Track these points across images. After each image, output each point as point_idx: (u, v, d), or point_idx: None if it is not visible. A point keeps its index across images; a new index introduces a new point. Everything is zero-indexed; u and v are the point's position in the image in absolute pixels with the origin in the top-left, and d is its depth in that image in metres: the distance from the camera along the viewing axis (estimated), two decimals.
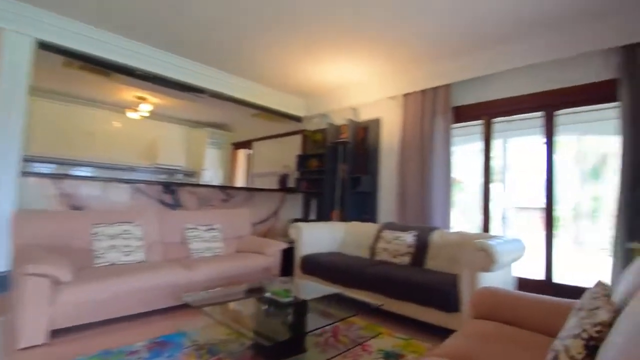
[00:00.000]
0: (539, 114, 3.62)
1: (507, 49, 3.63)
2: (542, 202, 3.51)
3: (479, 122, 4.03)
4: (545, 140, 3.55)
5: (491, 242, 2.37)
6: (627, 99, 2.94)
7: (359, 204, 4.92)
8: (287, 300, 2.28)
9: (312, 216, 5.52)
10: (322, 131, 5.55)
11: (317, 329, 2.05)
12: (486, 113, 3.98)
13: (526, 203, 4.23)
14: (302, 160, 5.76)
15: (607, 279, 2.94)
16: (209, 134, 7.73)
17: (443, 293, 2.44)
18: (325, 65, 4.43)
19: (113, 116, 6.42)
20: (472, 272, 2.34)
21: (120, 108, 6.24)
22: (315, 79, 4.94)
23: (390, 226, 3.64)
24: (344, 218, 4.91)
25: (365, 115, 5.14)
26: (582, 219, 3.89)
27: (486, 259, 2.27)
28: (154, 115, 6.59)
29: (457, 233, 3.18)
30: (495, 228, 3.92)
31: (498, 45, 3.66)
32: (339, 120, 5.36)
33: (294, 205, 5.95)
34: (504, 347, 1.40)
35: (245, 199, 5.38)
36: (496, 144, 3.97)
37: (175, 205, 4.52)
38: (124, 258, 2.85)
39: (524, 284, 3.28)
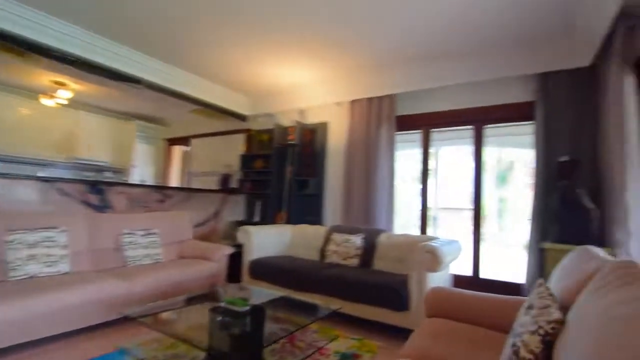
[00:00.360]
0: (470, 127, 4.04)
1: (446, 66, 3.97)
2: (470, 204, 3.93)
3: (419, 131, 4.35)
4: (474, 150, 3.98)
5: (436, 244, 2.58)
6: (541, 119, 3.44)
7: (305, 206, 4.95)
8: (243, 309, 2.20)
9: (256, 218, 5.40)
10: (268, 131, 5.46)
11: (279, 339, 2.02)
12: (425, 124, 4.31)
13: (455, 205, 4.68)
14: (247, 160, 5.61)
15: (523, 273, 3.42)
16: (138, 127, 7.08)
17: (395, 293, 2.59)
18: (275, 66, 4.36)
19: (22, 102, 5.50)
20: (421, 272, 2.53)
21: (33, 93, 5.38)
22: (263, 78, 4.83)
23: (338, 229, 3.73)
24: (289, 220, 4.90)
25: (312, 118, 5.19)
26: (501, 219, 4.45)
27: (433, 260, 2.47)
28: (75, 103, 5.82)
29: (403, 235, 3.40)
30: (429, 229, 4.27)
31: (438, 63, 3.98)
32: (286, 121, 5.33)
33: (236, 207, 5.75)
34: (465, 345, 1.55)
35: (184, 200, 5.04)
36: (432, 152, 4.32)
37: (103, 207, 4.04)
38: (46, 269, 2.47)
39: (456, 280, 3.63)
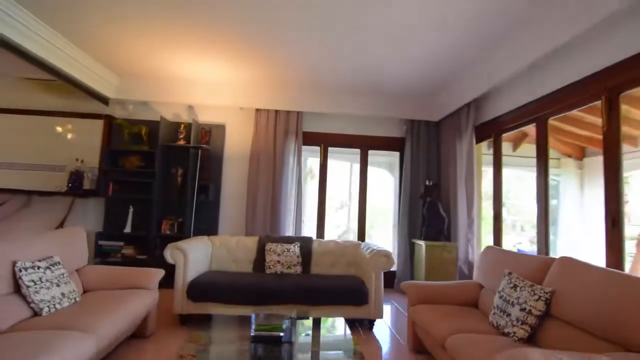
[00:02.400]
0: (358, 150, 5.06)
1: (345, 99, 4.76)
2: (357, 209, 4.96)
3: (319, 147, 4.99)
4: (360, 167, 5.03)
5: (382, 248, 3.33)
6: (408, 153, 4.85)
7: (198, 214, 4.55)
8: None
9: (127, 229, 4.41)
10: (146, 124, 4.58)
11: None
12: (324, 142, 5.00)
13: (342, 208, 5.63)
14: (113, 156, 4.47)
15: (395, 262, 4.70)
16: None
17: (359, 291, 3.13)
18: (166, 50, 3.70)
19: None
20: (377, 272, 3.20)
21: None
22: (147, 59, 3.96)
23: (271, 239, 3.82)
24: (182, 230, 4.38)
25: (204, 117, 4.81)
26: (384, 221, 5.72)
27: (388, 262, 3.20)
28: None
29: (333, 241, 3.94)
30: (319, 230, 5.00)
31: (339, 94, 4.73)
32: (167, 114, 4.65)
33: (88, 213, 4.46)
34: (441, 315, 2.41)
35: (22, 207, 3.52)
36: (328, 166, 5.08)
37: None
38: None
39: None
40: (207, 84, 4.63)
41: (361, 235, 4.93)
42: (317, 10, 2.83)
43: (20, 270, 2.08)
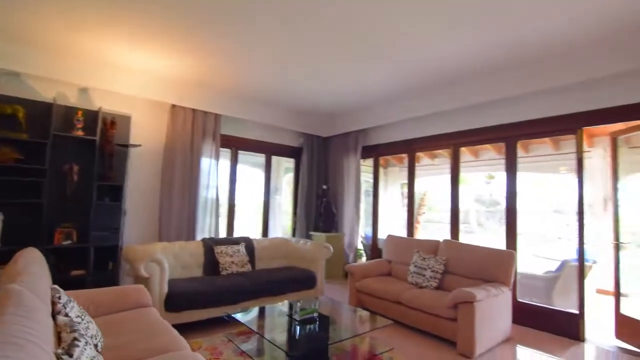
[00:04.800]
0: (263, 154, 5.61)
1: (255, 107, 5.19)
2: (262, 207, 5.55)
3: (229, 150, 5.20)
4: (265, 170, 5.63)
5: (310, 240, 4.27)
6: (305, 160, 5.87)
7: (100, 219, 3.89)
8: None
9: None
10: (20, 103, 3.46)
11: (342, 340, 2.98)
12: (235, 145, 5.26)
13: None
14: None
15: None
16: None
17: (311, 278, 3.94)
18: (61, 13, 2.83)
19: None
20: (322, 260, 4.11)
21: None
22: (25, 15, 2.90)
23: (217, 241, 3.94)
24: (83, 238, 3.66)
25: (103, 105, 4.06)
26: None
27: (328, 251, 4.16)
28: None
29: (266, 239, 4.45)
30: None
31: (251, 102, 5.12)
32: (47, 93, 3.70)
33: None
34: (379, 282, 3.73)
35: None
36: (239, 168, 5.37)
37: None
38: None
39: None
40: (112, 65, 3.97)
41: (264, 232, 5.55)
42: (251, 30, 3.03)
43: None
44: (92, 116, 3.82)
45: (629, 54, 2.94)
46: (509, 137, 3.94)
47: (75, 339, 1.24)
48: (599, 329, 3.52)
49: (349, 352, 2.62)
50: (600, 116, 3.29)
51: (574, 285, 4.52)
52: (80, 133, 3.73)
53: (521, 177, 3.97)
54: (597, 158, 6.49)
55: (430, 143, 4.77)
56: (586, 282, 4.92)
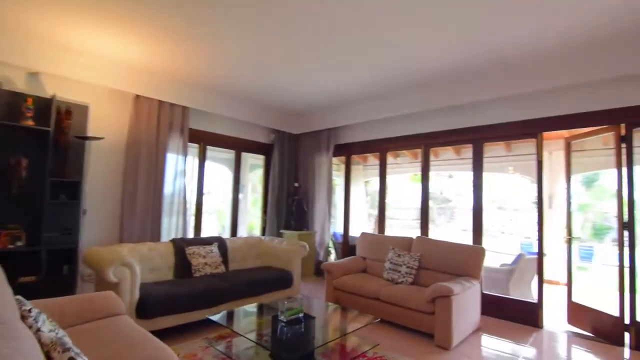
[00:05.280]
0: (232, 151, 5.41)
1: (224, 101, 4.96)
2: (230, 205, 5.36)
3: (197, 145, 4.95)
4: (234, 167, 5.43)
5: (283, 239, 4.22)
6: (276, 157, 5.75)
7: (54, 220, 3.50)
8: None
9: None
10: None
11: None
12: (203, 140, 5.01)
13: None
14: None
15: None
16: None
17: (289, 277, 3.88)
18: None
19: None
20: (298, 259, 4.06)
21: None
22: None
23: (188, 242, 3.72)
24: (33, 241, 3.27)
25: (57, 92, 3.64)
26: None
27: (304, 250, 4.11)
28: None
29: (240, 238, 4.30)
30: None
31: (220, 96, 4.88)
32: None
33: None
34: (356, 280, 3.79)
35: None
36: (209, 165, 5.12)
37: None
38: None
39: None
40: (67, 49, 3.58)
41: (233, 230, 5.37)
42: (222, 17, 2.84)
43: None
44: (44, 104, 3.42)
45: (583, 67, 3.25)
46: (477, 139, 4.18)
47: (71, 359, 1.08)
48: (552, 316, 3.86)
49: (337, 351, 2.62)
50: (559, 123, 3.60)
51: (528, 277, 4.92)
52: (30, 123, 3.31)
53: (469, 176, 4.22)
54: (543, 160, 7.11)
55: (403, 143, 4.92)
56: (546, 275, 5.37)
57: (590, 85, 3.36)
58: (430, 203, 4.70)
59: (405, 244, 4.03)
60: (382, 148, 5.16)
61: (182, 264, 3.56)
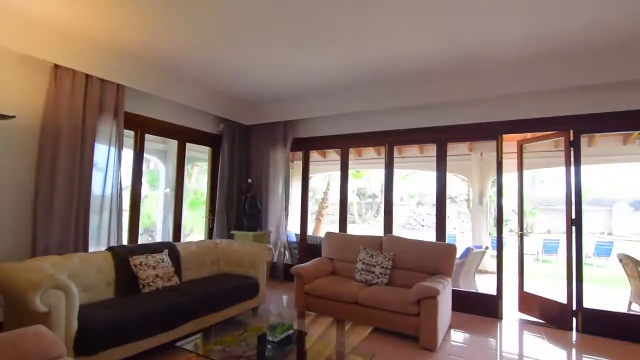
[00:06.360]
0: (167, 142, 4.68)
1: (168, 81, 4.21)
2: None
3: (133, 132, 4.14)
4: (177, 161, 4.71)
5: (243, 242, 3.79)
6: (226, 149, 5.16)
7: None
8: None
9: None
10: None
11: None
12: (140, 126, 4.21)
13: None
14: None
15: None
16: None
17: (254, 286, 3.43)
18: None
19: None
20: (262, 264, 3.64)
21: None
22: None
23: (132, 250, 3.01)
24: None
25: None
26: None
27: (270, 253, 3.71)
28: None
29: (192, 243, 3.68)
30: None
31: (164, 76, 4.11)
32: None
33: None
34: (330, 282, 3.59)
35: None
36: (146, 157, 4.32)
37: None
38: None
39: None
40: None
41: (176, 234, 4.65)
42: None
43: None
44: None
45: (538, 75, 3.51)
46: (440, 139, 4.27)
47: None
48: (504, 306, 4.15)
49: None
50: (517, 126, 3.85)
51: (473, 269, 5.25)
52: None
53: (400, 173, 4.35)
54: (475, 160, 7.78)
55: (365, 139, 4.81)
56: (481, 266, 5.77)
57: (546, 93, 3.64)
58: (357, 198, 4.69)
59: (375, 243, 3.92)
60: (343, 144, 4.99)
61: (126, 278, 2.88)
